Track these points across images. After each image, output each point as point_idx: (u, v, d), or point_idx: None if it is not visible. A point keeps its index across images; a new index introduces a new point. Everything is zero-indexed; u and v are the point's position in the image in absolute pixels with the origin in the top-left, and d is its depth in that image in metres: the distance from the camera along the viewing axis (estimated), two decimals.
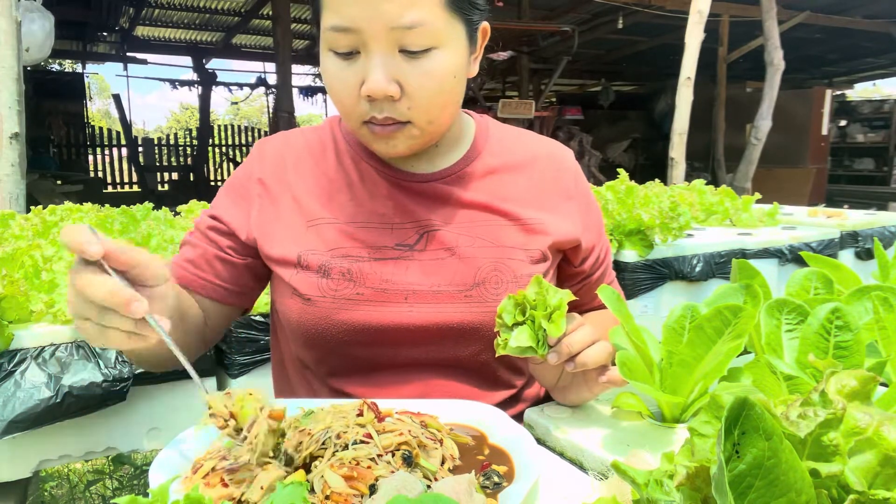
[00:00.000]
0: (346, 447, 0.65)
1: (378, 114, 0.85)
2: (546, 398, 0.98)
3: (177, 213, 2.24)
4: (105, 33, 10.25)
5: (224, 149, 14.67)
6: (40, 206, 2.03)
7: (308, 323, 0.93)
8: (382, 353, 0.94)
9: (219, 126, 15.35)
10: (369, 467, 0.62)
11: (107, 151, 13.14)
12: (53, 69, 13.27)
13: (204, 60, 11.76)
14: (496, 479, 0.66)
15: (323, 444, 0.66)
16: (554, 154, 1.07)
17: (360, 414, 0.72)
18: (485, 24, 0.92)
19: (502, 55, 8.09)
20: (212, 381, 1.72)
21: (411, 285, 0.93)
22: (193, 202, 2.28)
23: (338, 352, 0.94)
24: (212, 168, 14.05)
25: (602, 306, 1.06)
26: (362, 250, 0.93)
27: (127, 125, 11.92)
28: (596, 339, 0.83)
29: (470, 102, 7.33)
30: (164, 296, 0.73)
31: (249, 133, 15.76)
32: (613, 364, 0.83)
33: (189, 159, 13.78)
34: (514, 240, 0.97)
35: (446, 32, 0.84)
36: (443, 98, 0.87)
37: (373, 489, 0.59)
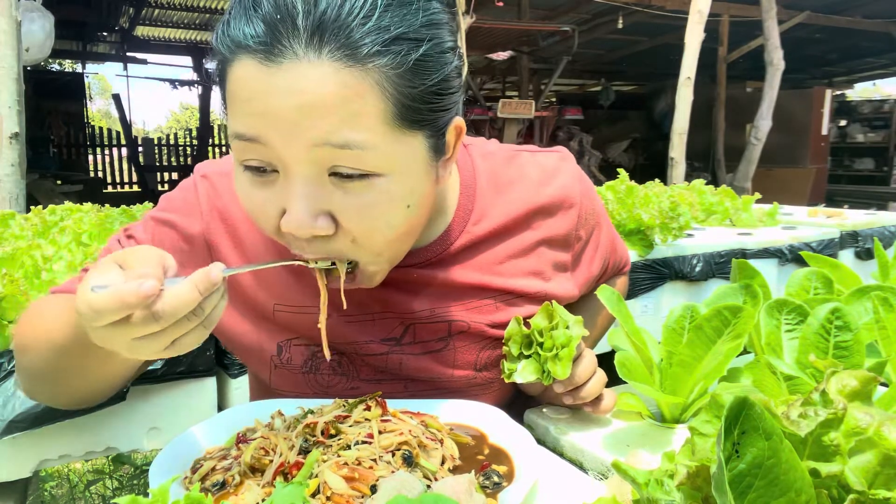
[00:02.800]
0: (347, 447, 0.65)
1: (312, 255, 0.69)
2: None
3: None
4: (105, 33, 10.25)
5: (224, 149, 14.66)
6: (40, 206, 2.03)
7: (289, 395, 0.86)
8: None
9: (219, 126, 15.34)
10: (371, 468, 0.62)
11: (107, 151, 13.14)
12: (53, 69, 13.28)
13: (204, 60, 11.75)
14: (496, 479, 0.66)
15: (331, 430, 0.66)
16: (554, 203, 0.91)
17: (368, 409, 0.72)
18: (457, 121, 0.72)
19: (502, 55, 8.09)
20: (212, 381, 1.72)
21: (409, 375, 0.87)
22: None
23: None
24: None
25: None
26: (347, 345, 0.84)
27: (127, 125, 11.92)
28: (596, 367, 0.84)
29: (470, 102, 7.33)
30: None
31: None
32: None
33: (189, 159, 13.78)
34: (511, 314, 0.88)
35: (395, 154, 0.64)
36: (393, 232, 0.69)
37: (373, 489, 0.59)
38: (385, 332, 0.85)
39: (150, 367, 1.56)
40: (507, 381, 0.84)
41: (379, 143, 0.63)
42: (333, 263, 0.71)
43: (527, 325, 0.85)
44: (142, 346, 0.59)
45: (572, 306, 1.06)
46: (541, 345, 0.82)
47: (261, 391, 0.97)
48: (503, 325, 0.87)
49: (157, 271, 0.58)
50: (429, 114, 0.66)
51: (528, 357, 0.84)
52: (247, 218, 0.83)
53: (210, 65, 0.69)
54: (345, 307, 0.77)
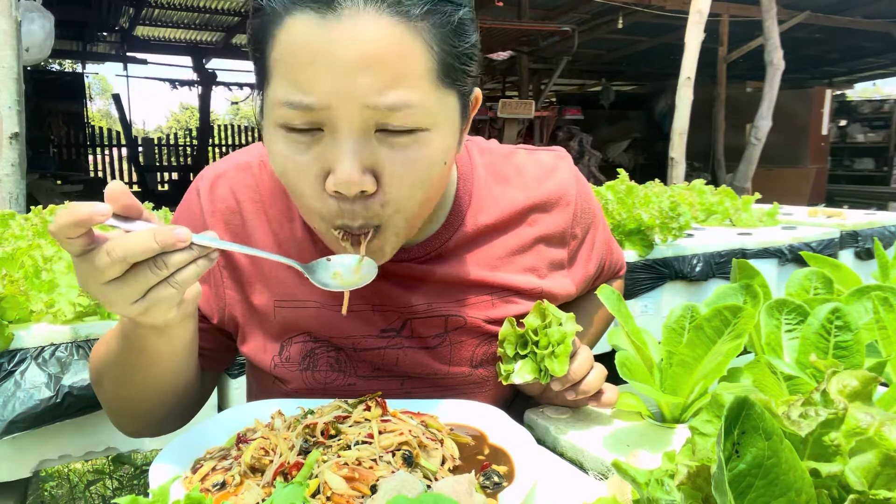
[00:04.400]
0: (347, 447, 0.65)
1: (351, 220, 0.68)
2: None
3: None
4: (105, 33, 10.25)
5: (224, 149, 14.66)
6: (40, 206, 2.03)
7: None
8: None
9: (219, 126, 15.36)
10: (371, 468, 0.62)
11: (107, 151, 13.14)
12: (53, 69, 13.28)
13: (204, 60, 11.76)
14: (496, 479, 0.66)
15: (333, 426, 0.66)
16: (550, 199, 0.91)
17: (368, 409, 0.72)
18: (477, 91, 0.76)
19: (502, 55, 8.09)
20: None
21: (406, 372, 0.87)
22: None
23: None
24: None
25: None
26: (345, 340, 0.84)
27: (127, 125, 11.92)
28: (592, 362, 0.83)
29: None
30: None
31: (249, 133, 15.75)
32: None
33: (189, 159, 13.78)
34: (508, 311, 0.88)
35: (437, 110, 0.67)
36: (426, 192, 0.70)
37: (373, 489, 0.59)
38: (384, 323, 0.85)
39: None
40: (504, 383, 0.83)
41: (425, 99, 0.65)
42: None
43: (520, 324, 0.85)
44: (110, 294, 0.60)
45: (569, 305, 1.06)
46: (536, 343, 0.81)
47: (259, 394, 0.97)
48: (500, 322, 0.87)
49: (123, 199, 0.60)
50: (463, 75, 0.69)
51: (524, 357, 0.83)
52: (252, 215, 0.84)
53: (250, 27, 0.71)
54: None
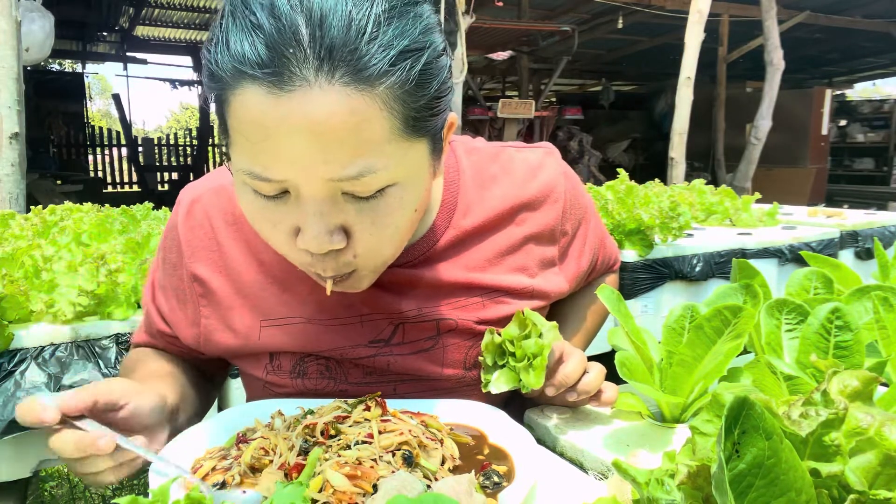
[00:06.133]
0: (347, 447, 0.65)
1: (323, 272, 0.70)
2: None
3: None
4: (105, 33, 10.25)
5: (224, 149, 14.63)
6: (40, 206, 2.03)
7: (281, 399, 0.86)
8: None
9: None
10: (372, 467, 0.62)
11: (107, 151, 13.14)
12: (53, 69, 13.28)
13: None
14: (496, 479, 0.66)
15: (333, 427, 0.66)
16: (538, 197, 0.90)
17: (368, 409, 0.72)
18: (451, 117, 0.73)
19: (502, 55, 8.09)
20: None
21: (398, 376, 0.87)
22: None
23: None
24: (212, 168, 14.02)
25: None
26: (335, 351, 0.84)
27: (127, 125, 11.92)
28: (586, 363, 0.83)
29: (470, 102, 7.33)
30: (162, 423, 0.75)
31: None
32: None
33: (189, 159, 13.78)
34: (499, 311, 0.88)
35: (405, 164, 0.65)
36: (398, 239, 0.71)
37: (374, 489, 0.59)
38: (373, 334, 0.85)
39: None
40: (483, 391, 0.83)
41: (389, 161, 0.62)
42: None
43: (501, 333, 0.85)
44: (74, 468, 0.67)
45: (564, 302, 1.05)
46: (513, 354, 0.81)
47: (253, 397, 0.98)
48: (491, 322, 0.87)
49: (69, 404, 0.65)
50: (431, 119, 0.66)
51: (502, 367, 0.83)
52: (230, 240, 0.85)
53: (205, 85, 0.67)
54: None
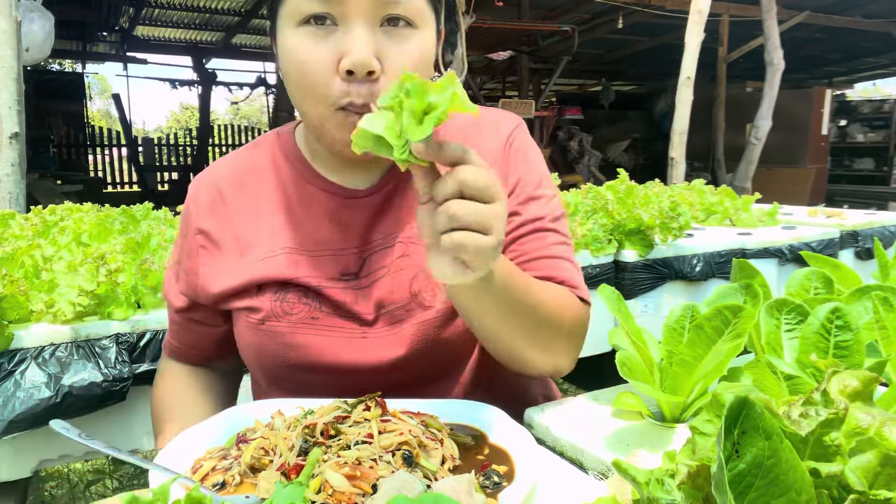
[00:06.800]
0: (347, 447, 0.65)
1: (357, 98, 0.77)
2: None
3: (177, 213, 2.24)
4: (105, 33, 10.25)
5: (224, 149, 14.66)
6: (40, 206, 2.03)
7: (264, 347, 0.90)
8: (338, 383, 0.89)
9: (219, 126, 15.35)
10: (371, 467, 0.62)
11: (107, 151, 13.14)
12: (53, 69, 13.28)
13: (204, 60, 11.75)
14: (496, 479, 0.66)
15: (333, 426, 0.66)
16: (487, 124, 0.95)
17: (368, 409, 0.72)
18: (442, 31, 0.88)
19: (502, 55, 8.09)
20: None
21: (363, 314, 0.88)
22: None
23: (291, 378, 0.91)
24: None
25: (544, 278, 0.89)
26: (312, 280, 0.89)
27: (127, 125, 11.92)
28: (495, 188, 0.64)
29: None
30: None
31: (249, 133, 15.76)
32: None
33: (189, 159, 13.78)
34: None
35: (425, 14, 0.80)
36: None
37: (374, 489, 0.59)
38: (345, 266, 0.89)
39: (151, 367, 1.56)
40: (354, 140, 0.63)
41: (419, 1, 0.79)
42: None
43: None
44: None
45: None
46: (408, 95, 0.60)
47: (261, 391, 1.00)
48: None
49: None
50: (439, 4, 0.84)
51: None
52: (234, 192, 0.95)
53: None
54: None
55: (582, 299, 0.92)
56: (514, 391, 1.02)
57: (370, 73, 0.76)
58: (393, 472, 0.62)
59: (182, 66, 12.04)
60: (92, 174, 12.37)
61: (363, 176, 0.92)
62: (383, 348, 0.88)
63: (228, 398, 1.06)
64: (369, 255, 0.90)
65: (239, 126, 16.93)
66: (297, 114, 0.91)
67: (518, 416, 0.86)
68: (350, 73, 0.76)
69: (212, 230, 0.94)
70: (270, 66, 12.76)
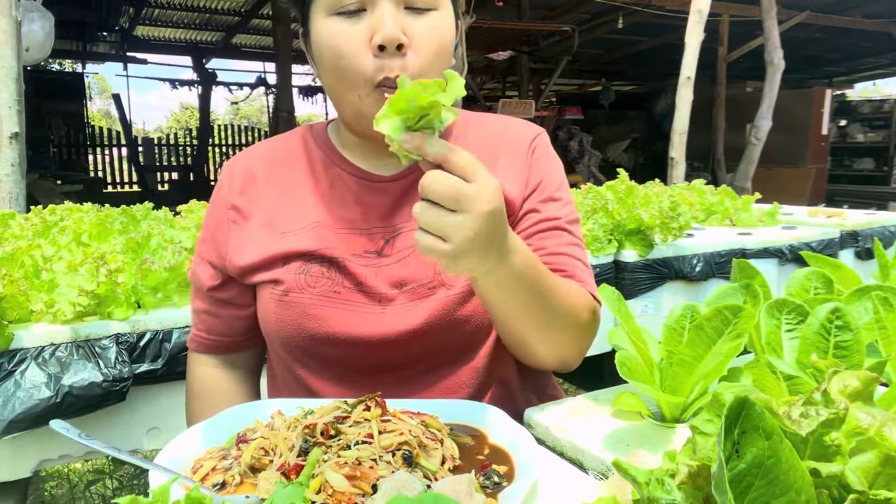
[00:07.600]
0: (347, 447, 0.65)
1: (390, 72, 0.83)
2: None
3: (177, 213, 2.24)
4: (105, 33, 10.25)
5: (224, 149, 14.66)
6: (40, 206, 2.03)
7: (286, 319, 0.92)
8: (355, 356, 0.92)
9: (219, 126, 15.35)
10: (371, 468, 0.62)
11: (107, 151, 13.14)
12: (53, 69, 13.28)
13: (204, 60, 11.76)
14: (496, 479, 0.66)
15: (334, 427, 0.66)
16: (513, 129, 1.03)
17: (368, 409, 0.72)
18: (460, 23, 0.95)
19: (502, 55, 8.09)
20: None
21: (382, 291, 0.92)
22: (193, 202, 2.28)
23: (311, 351, 0.93)
24: (212, 168, 14.03)
25: (558, 269, 0.94)
26: (336, 252, 0.93)
27: (127, 125, 11.93)
28: (461, 198, 0.65)
29: (470, 102, 7.34)
30: None
31: (249, 133, 15.75)
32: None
33: (189, 159, 13.78)
34: None
35: (444, 1, 0.88)
36: (441, 61, 0.88)
37: (374, 489, 0.59)
38: (369, 245, 0.94)
39: (151, 367, 1.56)
40: (376, 126, 0.66)
41: None
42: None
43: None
44: None
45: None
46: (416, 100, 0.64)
47: (276, 385, 1.04)
48: None
49: None
50: None
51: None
52: (266, 173, 1.00)
53: None
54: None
55: (594, 297, 0.96)
56: (521, 388, 1.03)
57: (399, 46, 0.82)
58: (393, 472, 0.62)
59: (182, 66, 12.07)
60: (92, 174, 12.37)
61: (389, 164, 0.97)
62: (402, 320, 0.91)
63: (253, 396, 1.09)
64: (393, 237, 0.94)
65: (239, 126, 16.92)
66: (324, 113, 0.95)
67: (518, 416, 0.86)
68: (381, 48, 0.82)
69: (243, 206, 0.99)
70: (270, 65, 12.76)
